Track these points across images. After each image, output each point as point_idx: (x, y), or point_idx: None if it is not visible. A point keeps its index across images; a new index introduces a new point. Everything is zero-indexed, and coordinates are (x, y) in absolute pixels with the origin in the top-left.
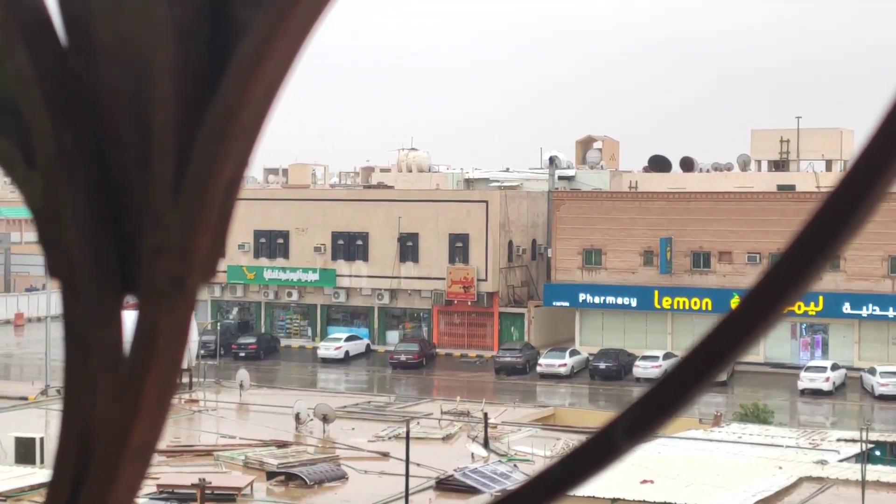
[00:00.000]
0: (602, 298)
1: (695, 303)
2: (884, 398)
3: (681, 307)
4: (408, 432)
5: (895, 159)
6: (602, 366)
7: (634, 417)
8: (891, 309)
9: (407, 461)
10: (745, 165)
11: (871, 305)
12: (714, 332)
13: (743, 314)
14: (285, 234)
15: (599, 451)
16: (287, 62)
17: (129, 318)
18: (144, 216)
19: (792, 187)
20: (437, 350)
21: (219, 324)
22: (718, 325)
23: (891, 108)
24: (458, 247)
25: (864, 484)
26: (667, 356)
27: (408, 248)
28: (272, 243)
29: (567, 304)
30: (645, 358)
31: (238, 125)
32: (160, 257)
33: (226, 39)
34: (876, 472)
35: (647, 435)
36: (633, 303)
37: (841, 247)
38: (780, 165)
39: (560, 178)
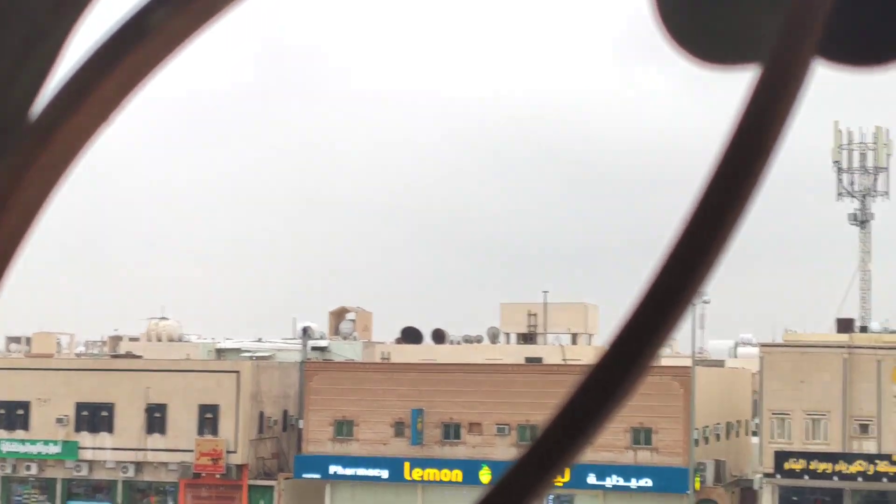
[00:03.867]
0: (353, 470)
1: (445, 474)
2: None
3: (431, 478)
4: None
5: (657, 337)
6: None
7: None
8: (633, 480)
9: None
10: (494, 338)
11: (614, 476)
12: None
13: (511, 486)
14: (26, 405)
15: None
16: (28, 217)
17: None
18: None
19: (539, 360)
20: None
21: None
22: (486, 497)
23: (648, 285)
24: (208, 418)
25: None
26: None
27: (155, 419)
28: (11, 414)
29: (318, 476)
30: None
31: None
32: None
33: None
34: None
35: None
36: (385, 475)
37: (605, 421)
38: (528, 338)
39: (313, 348)
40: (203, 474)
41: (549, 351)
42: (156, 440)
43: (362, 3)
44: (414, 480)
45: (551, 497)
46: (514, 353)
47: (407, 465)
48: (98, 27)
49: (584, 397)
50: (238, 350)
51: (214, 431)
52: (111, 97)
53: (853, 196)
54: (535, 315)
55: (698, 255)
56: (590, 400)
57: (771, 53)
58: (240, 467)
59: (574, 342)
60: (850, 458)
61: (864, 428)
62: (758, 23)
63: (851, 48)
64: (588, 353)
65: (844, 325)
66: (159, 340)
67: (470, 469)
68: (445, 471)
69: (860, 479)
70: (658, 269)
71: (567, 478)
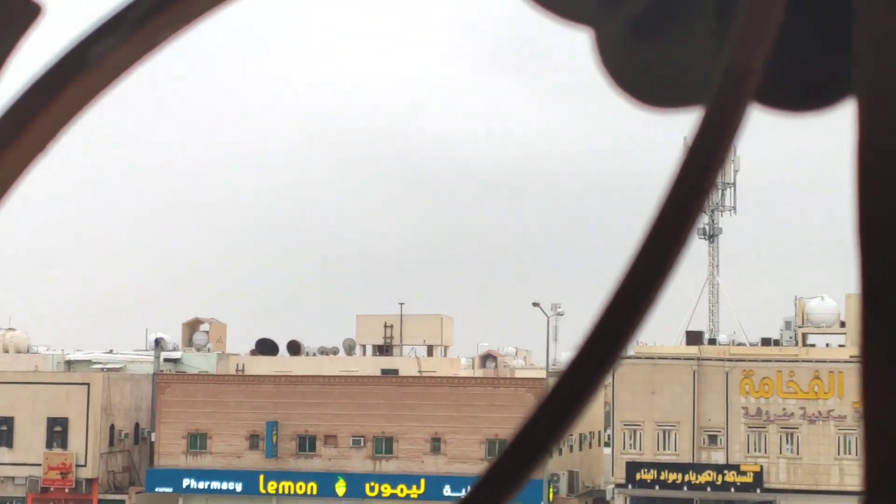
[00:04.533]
0: (207, 483)
1: (300, 486)
2: None
3: (286, 491)
4: None
5: (607, 363)
6: None
7: None
8: None
9: None
10: (350, 350)
11: (468, 489)
12: None
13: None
14: None
15: None
16: None
17: None
18: None
19: (395, 371)
20: None
21: None
22: None
23: (599, 317)
24: (57, 431)
25: None
26: None
27: (2, 432)
28: None
29: (171, 489)
30: None
31: None
32: None
33: None
34: None
35: None
36: (238, 487)
37: (562, 437)
38: (384, 350)
39: (166, 360)
40: (52, 489)
41: (405, 363)
42: (2, 454)
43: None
44: (269, 493)
45: None
46: (370, 365)
47: (262, 477)
48: (37, 59)
49: (547, 412)
50: (89, 362)
51: (64, 445)
52: (50, 128)
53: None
54: (391, 327)
55: (647, 283)
56: (553, 414)
57: (711, 98)
58: (90, 481)
59: (430, 354)
60: (699, 468)
61: (713, 439)
62: (698, 67)
63: (789, 94)
64: (444, 365)
65: (694, 338)
66: (6, 352)
67: (325, 481)
68: (301, 483)
69: (709, 488)
70: (607, 303)
71: (422, 489)
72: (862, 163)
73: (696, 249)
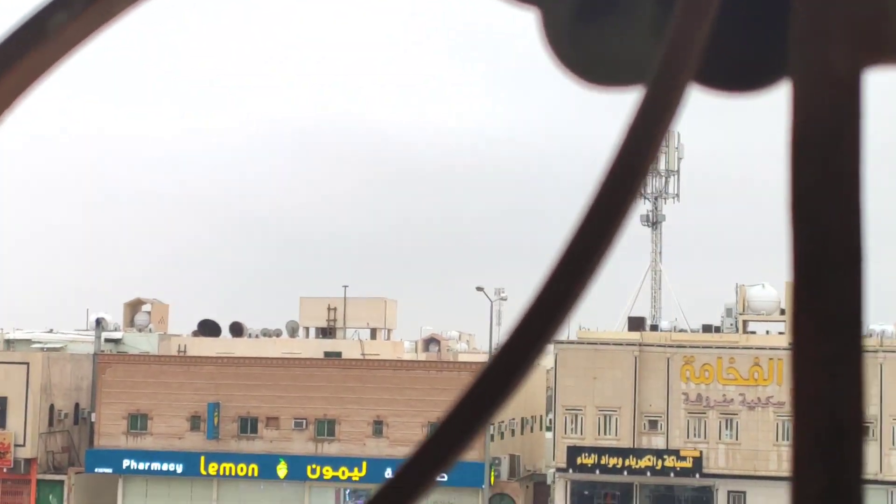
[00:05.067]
0: (147, 465)
1: (241, 468)
2: None
3: (228, 473)
4: None
5: (543, 338)
6: None
7: None
8: None
9: None
10: (293, 332)
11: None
12: (376, 499)
13: (400, 483)
14: None
15: None
16: None
17: None
18: None
19: (339, 354)
20: None
21: None
22: (380, 491)
23: (536, 292)
24: None
25: None
26: None
27: None
28: None
29: (110, 470)
30: None
31: None
32: None
33: None
34: None
35: None
36: (179, 469)
37: (493, 417)
38: (327, 332)
39: (107, 340)
40: None
41: (349, 345)
42: None
43: None
44: (210, 475)
45: (348, 491)
46: (314, 348)
47: (203, 459)
48: None
49: (478, 391)
50: (28, 341)
51: (2, 424)
52: (6, 98)
53: (645, 198)
54: (334, 309)
55: (584, 259)
56: (484, 394)
57: (651, 78)
58: (28, 461)
59: (373, 337)
60: (639, 453)
61: (654, 424)
62: (641, 48)
63: (727, 74)
64: (387, 348)
65: (636, 324)
66: None
67: (267, 463)
68: (242, 465)
69: (649, 473)
70: (546, 276)
71: (364, 472)
72: (795, 142)
73: (639, 236)
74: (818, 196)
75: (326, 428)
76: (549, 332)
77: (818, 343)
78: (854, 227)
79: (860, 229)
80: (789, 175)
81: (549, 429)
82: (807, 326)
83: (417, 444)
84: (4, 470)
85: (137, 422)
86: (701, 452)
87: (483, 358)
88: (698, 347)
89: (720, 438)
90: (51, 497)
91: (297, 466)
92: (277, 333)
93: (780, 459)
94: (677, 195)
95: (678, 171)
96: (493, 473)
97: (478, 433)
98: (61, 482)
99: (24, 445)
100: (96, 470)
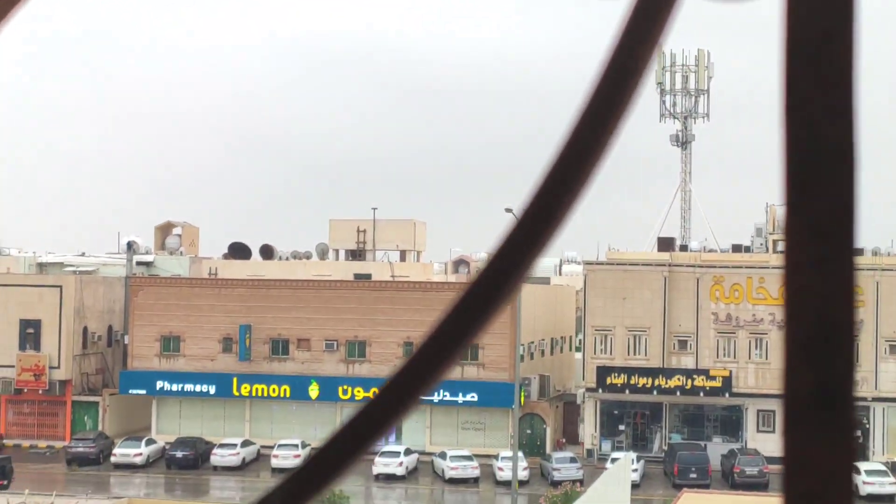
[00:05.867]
0: (180, 386)
1: (273, 390)
2: (453, 481)
3: (259, 394)
4: None
5: (530, 255)
6: (179, 454)
7: (290, 487)
8: (460, 394)
9: None
10: (323, 254)
11: (441, 391)
12: (356, 418)
13: (385, 398)
14: None
15: None
16: None
17: None
18: None
19: (368, 276)
20: (5, 441)
21: None
22: (362, 411)
23: (526, 205)
24: (30, 333)
25: None
26: (245, 443)
27: None
28: None
29: (144, 391)
30: (223, 446)
31: None
32: None
33: None
34: None
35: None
36: (212, 390)
37: (478, 334)
38: (357, 255)
39: (138, 263)
40: (25, 390)
41: (378, 267)
42: None
43: None
44: (242, 396)
45: None
46: (343, 270)
47: (235, 380)
48: None
49: (464, 308)
50: (60, 265)
51: (37, 347)
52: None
53: (675, 117)
54: (364, 231)
55: (577, 167)
56: (470, 310)
57: None
58: (63, 383)
59: (402, 259)
60: (668, 373)
61: (683, 344)
62: None
63: None
64: (416, 270)
65: (665, 244)
66: None
67: (298, 385)
68: (274, 386)
69: (678, 393)
70: (539, 183)
71: None
72: (789, 44)
73: (668, 156)
74: (811, 98)
75: (357, 349)
76: (537, 247)
77: (810, 244)
78: (847, 130)
79: (854, 132)
80: (782, 77)
81: (578, 349)
82: (798, 228)
83: (399, 364)
84: (40, 391)
85: (170, 344)
86: (730, 372)
87: None
88: (728, 267)
89: (749, 358)
90: (86, 418)
91: (329, 387)
92: (307, 256)
93: None
94: (707, 114)
95: (708, 91)
96: (523, 394)
97: (461, 352)
98: (96, 403)
99: (58, 367)
100: (130, 391)
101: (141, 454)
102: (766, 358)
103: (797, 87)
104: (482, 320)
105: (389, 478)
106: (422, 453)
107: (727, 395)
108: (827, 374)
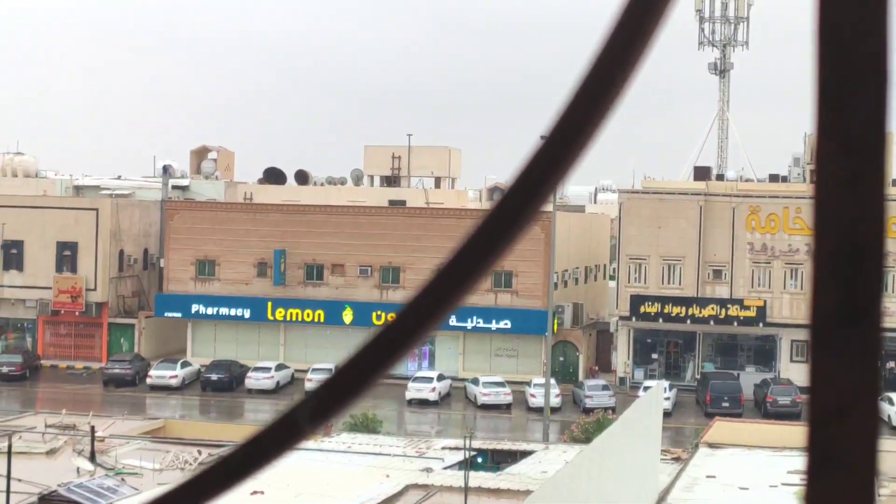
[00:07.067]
0: (215, 310)
1: (307, 314)
2: (485, 407)
3: (294, 319)
4: (9, 447)
5: (549, 182)
6: (214, 377)
7: (316, 402)
8: (493, 322)
9: (8, 477)
10: (358, 180)
11: (475, 318)
12: (381, 334)
13: (407, 318)
14: None
15: (283, 434)
16: None
17: None
18: None
19: (403, 202)
20: (43, 362)
21: None
22: (388, 326)
23: (549, 133)
24: (66, 255)
25: (466, 490)
26: (279, 367)
27: (12, 255)
28: None
29: (179, 314)
30: (257, 369)
31: None
32: None
33: None
34: (478, 478)
35: (327, 419)
36: (247, 314)
37: (496, 262)
38: (391, 181)
39: (174, 187)
40: (62, 311)
41: (413, 194)
42: (13, 277)
43: None
44: (276, 320)
45: None
46: (378, 196)
47: (269, 304)
48: None
49: (488, 228)
50: (97, 187)
51: (73, 269)
52: None
53: (713, 45)
54: (398, 158)
55: (602, 91)
56: (486, 239)
57: None
58: (99, 305)
59: (437, 185)
60: (703, 302)
61: (718, 273)
62: None
63: None
64: (451, 197)
65: (701, 173)
66: (14, 176)
67: (332, 310)
68: (308, 311)
69: (712, 322)
70: (563, 106)
71: None
72: None
73: (706, 85)
74: (844, 17)
75: (391, 275)
76: (561, 170)
77: (840, 163)
78: (880, 47)
79: (886, 49)
80: (815, 4)
81: (612, 278)
82: (829, 147)
83: (424, 281)
84: (77, 313)
85: (205, 267)
86: (765, 302)
87: (547, 206)
88: (764, 197)
89: (784, 288)
90: (122, 340)
91: (363, 313)
92: (342, 181)
93: None
94: (746, 43)
95: (748, 19)
96: (556, 321)
97: (484, 273)
98: (132, 326)
99: (95, 290)
100: (166, 314)
101: (176, 376)
102: (801, 288)
103: (830, 6)
104: (506, 240)
105: (422, 403)
106: (455, 379)
107: (761, 324)
108: (854, 292)
